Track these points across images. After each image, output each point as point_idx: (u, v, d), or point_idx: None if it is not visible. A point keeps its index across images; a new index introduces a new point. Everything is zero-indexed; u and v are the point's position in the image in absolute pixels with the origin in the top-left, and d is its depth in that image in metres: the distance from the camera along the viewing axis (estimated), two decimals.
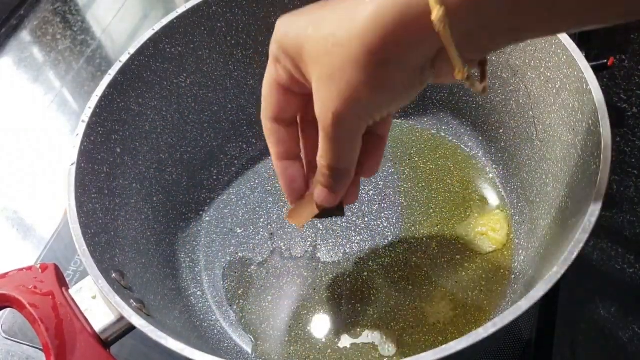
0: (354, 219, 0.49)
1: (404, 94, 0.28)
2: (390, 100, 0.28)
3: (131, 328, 0.35)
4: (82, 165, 0.39)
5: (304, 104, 0.33)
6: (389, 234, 0.48)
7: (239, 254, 0.49)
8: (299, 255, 0.48)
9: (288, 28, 0.29)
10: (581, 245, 0.31)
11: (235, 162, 0.55)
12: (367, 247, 0.48)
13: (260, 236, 0.50)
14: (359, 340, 0.43)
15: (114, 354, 0.36)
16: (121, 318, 0.35)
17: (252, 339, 0.45)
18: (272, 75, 0.31)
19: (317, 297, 0.46)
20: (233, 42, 0.50)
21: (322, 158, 0.31)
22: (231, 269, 0.48)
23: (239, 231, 0.50)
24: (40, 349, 0.49)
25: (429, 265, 0.46)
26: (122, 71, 0.44)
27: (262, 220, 0.51)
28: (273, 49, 0.30)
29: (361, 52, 0.25)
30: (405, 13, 0.24)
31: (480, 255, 0.46)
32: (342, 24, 0.26)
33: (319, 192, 0.34)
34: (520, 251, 0.45)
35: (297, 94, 0.32)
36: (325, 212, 0.37)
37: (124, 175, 0.44)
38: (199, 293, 0.48)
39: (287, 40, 0.29)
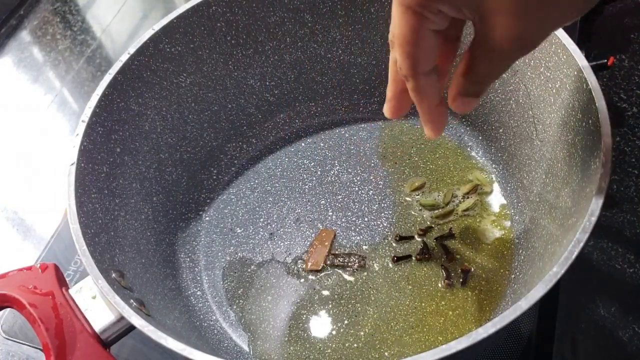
0: (354, 218, 0.49)
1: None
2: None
3: (131, 328, 0.35)
4: (82, 165, 0.40)
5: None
6: (389, 233, 0.48)
7: (239, 254, 0.49)
8: (299, 255, 0.48)
9: None
10: (581, 245, 0.31)
11: (235, 162, 0.55)
12: (367, 247, 0.48)
13: (260, 236, 0.50)
14: (359, 340, 0.43)
15: (114, 354, 0.36)
16: (121, 318, 0.35)
17: (252, 339, 0.45)
18: (421, 27, 0.30)
19: (317, 297, 0.46)
20: (233, 42, 0.50)
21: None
22: (231, 269, 0.48)
23: (238, 231, 0.50)
24: (40, 349, 0.49)
25: (429, 265, 0.46)
26: (122, 71, 0.44)
27: (261, 220, 0.51)
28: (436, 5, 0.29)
29: None
30: None
31: (480, 254, 0.46)
32: None
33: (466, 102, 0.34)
34: (520, 251, 0.45)
35: (447, 35, 0.32)
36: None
37: (124, 175, 0.44)
38: (198, 293, 0.48)
39: None
